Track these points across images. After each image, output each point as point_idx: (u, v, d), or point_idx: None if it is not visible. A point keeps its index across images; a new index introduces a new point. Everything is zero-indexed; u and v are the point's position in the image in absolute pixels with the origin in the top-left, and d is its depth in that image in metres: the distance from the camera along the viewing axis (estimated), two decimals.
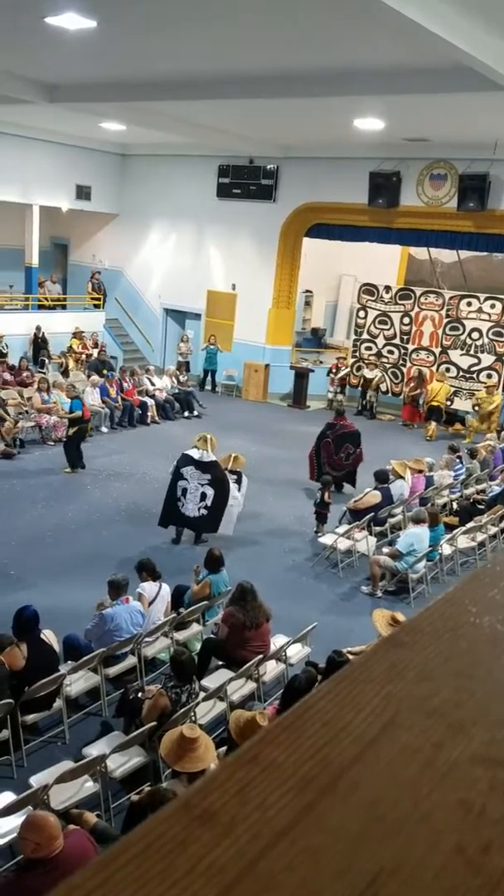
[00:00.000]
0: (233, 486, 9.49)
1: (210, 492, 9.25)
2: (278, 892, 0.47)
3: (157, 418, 15.91)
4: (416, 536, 8.58)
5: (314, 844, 0.51)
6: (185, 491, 9.29)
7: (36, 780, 4.87)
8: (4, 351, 16.79)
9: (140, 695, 5.76)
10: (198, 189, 18.60)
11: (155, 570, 6.88)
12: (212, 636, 6.80)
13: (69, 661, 6.12)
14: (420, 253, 19.06)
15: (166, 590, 6.95)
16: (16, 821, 4.41)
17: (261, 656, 6.29)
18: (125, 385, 15.80)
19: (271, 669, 6.57)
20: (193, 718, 5.57)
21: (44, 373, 16.25)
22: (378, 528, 9.88)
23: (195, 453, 9.42)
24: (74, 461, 12.12)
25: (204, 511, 9.27)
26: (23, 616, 5.76)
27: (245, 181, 18.01)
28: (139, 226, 20.12)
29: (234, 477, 9.76)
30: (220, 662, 6.53)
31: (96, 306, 20.23)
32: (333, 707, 0.63)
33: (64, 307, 20.19)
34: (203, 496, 9.25)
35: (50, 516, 10.30)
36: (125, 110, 13.12)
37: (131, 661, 6.49)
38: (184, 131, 14.77)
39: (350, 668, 0.71)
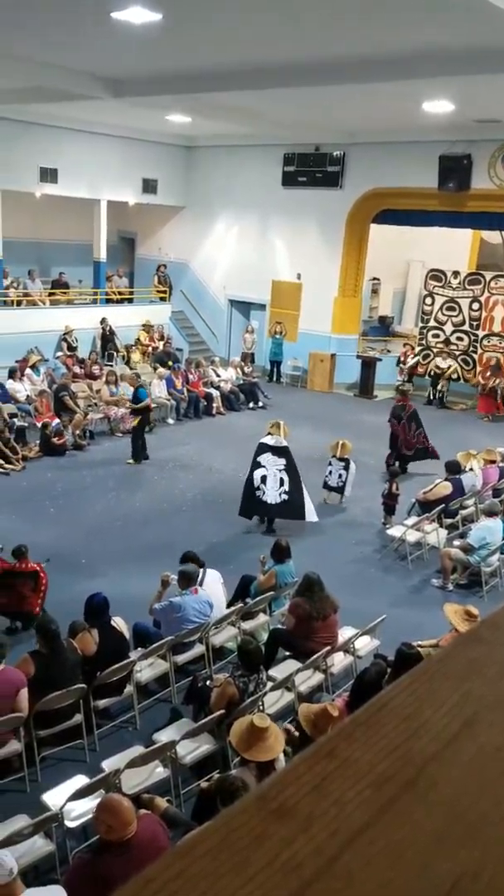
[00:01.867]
0: (345, 473, 10.32)
1: (286, 478, 9.48)
2: (357, 892, 0.46)
3: (222, 409, 15.99)
4: (489, 530, 8.38)
5: (393, 843, 0.50)
6: (264, 478, 9.50)
7: (108, 765, 4.98)
8: (74, 345, 17.17)
9: (208, 683, 5.83)
10: (263, 178, 18.55)
11: (196, 558, 6.91)
12: (279, 627, 6.81)
13: (139, 648, 6.23)
14: (493, 237, 18.53)
15: (213, 575, 6.95)
16: (88, 804, 4.53)
17: (328, 648, 6.26)
18: (191, 377, 15.94)
19: (339, 661, 6.53)
20: (261, 708, 5.60)
21: (111, 366, 16.53)
22: (449, 521, 9.69)
23: (270, 440, 9.67)
24: (138, 452, 12.28)
25: (284, 496, 9.48)
26: (93, 602, 5.90)
27: (310, 169, 17.88)
28: (204, 217, 20.22)
29: (343, 463, 10.38)
30: (288, 653, 6.54)
31: (162, 299, 20.45)
32: (412, 703, 0.62)
33: (131, 300, 20.49)
34: (281, 482, 9.49)
35: (118, 507, 10.49)
36: (190, 102, 13.17)
37: (199, 649, 6.56)
38: (249, 121, 14.74)
39: (428, 663, 0.69)
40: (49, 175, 17.28)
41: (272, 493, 9.46)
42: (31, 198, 17.75)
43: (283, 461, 9.51)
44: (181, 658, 6.40)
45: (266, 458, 9.54)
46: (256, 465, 9.56)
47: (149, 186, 19.59)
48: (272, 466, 9.51)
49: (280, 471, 9.49)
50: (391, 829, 0.51)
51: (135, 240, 22.52)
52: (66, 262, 19.94)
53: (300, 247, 18.51)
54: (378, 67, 9.81)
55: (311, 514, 9.58)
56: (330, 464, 10.74)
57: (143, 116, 15.28)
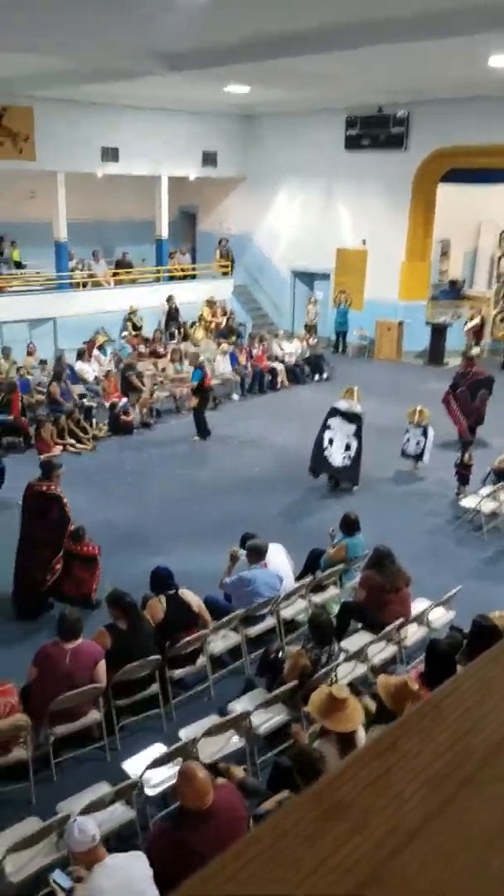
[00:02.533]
0: (423, 440, 10.46)
1: (354, 443, 9.90)
2: (412, 893, 0.44)
3: (286, 383, 15.91)
4: None
5: (450, 842, 0.47)
6: (331, 441, 9.96)
7: (185, 734, 5.10)
8: (139, 324, 17.33)
9: (280, 655, 5.87)
10: (324, 144, 18.19)
11: (254, 537, 6.93)
12: (349, 599, 6.79)
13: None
14: None
15: (277, 548, 6.95)
16: (167, 771, 4.66)
17: (401, 620, 6.22)
18: (254, 351, 15.89)
19: (413, 633, 6.48)
20: (335, 679, 5.62)
21: (176, 343, 16.63)
22: None
23: (343, 405, 10.05)
24: (202, 429, 12.36)
25: (347, 461, 9.95)
26: (156, 573, 6.09)
27: (374, 131, 17.45)
28: (265, 188, 20.00)
29: (420, 430, 10.49)
30: (360, 625, 6.52)
31: (224, 274, 20.40)
32: (477, 692, 0.59)
33: (193, 277, 20.53)
34: (347, 447, 9.92)
35: (185, 483, 10.60)
36: (249, 71, 12.95)
37: (270, 622, 6.61)
38: (309, 87, 14.43)
39: (497, 650, 0.66)
40: (110, 154, 17.38)
41: (337, 456, 9.95)
42: (92, 178, 17.90)
43: (353, 427, 9.89)
44: (253, 630, 6.47)
45: (335, 422, 9.97)
46: (326, 427, 10.02)
47: (209, 159, 19.48)
48: (341, 431, 9.91)
49: (349, 436, 9.88)
50: (448, 827, 0.48)
51: (196, 215, 22.48)
52: (129, 242, 20.09)
53: (365, 212, 18.12)
54: (447, 21, 9.40)
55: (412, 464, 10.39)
56: (407, 431, 10.67)
57: (200, 89, 15.13)
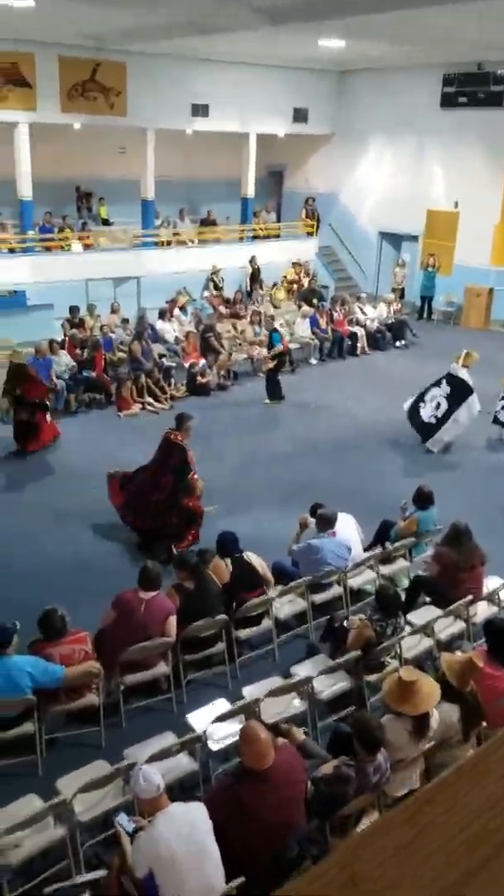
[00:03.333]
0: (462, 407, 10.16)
1: (444, 405, 10.08)
2: None
3: (367, 349, 15.66)
4: None
5: None
6: (424, 395, 10.32)
7: (248, 692, 5.23)
8: (220, 284, 17.32)
9: (345, 623, 5.91)
10: (419, 101, 17.54)
11: (323, 505, 6.93)
12: (421, 574, 6.74)
13: (278, 586, 6.40)
14: None
15: (346, 518, 6.92)
16: (230, 727, 4.80)
17: (471, 597, 6.15)
18: (335, 315, 15.67)
19: (482, 611, 6.40)
20: (399, 652, 5.63)
21: (256, 305, 16.56)
22: None
23: (454, 367, 10.27)
24: (274, 393, 12.33)
25: (433, 420, 10.17)
26: (224, 539, 6.20)
27: (472, 88, 16.74)
28: (355, 145, 19.48)
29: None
30: (428, 599, 6.48)
31: (309, 234, 20.10)
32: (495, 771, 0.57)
33: (277, 237, 20.30)
34: (438, 405, 10.14)
35: (259, 447, 10.64)
36: (346, 26, 12.54)
37: (337, 590, 6.65)
38: (408, 42, 13.87)
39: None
40: (200, 111, 17.25)
41: (426, 412, 10.23)
42: (181, 135, 17.83)
43: (448, 389, 10.06)
44: (319, 597, 6.52)
45: (443, 381, 10.25)
46: (436, 383, 10.30)
47: (299, 115, 19.09)
48: (439, 389, 10.20)
49: (442, 396, 10.11)
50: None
51: (283, 173, 22.14)
52: (215, 200, 20.00)
53: (458, 172, 17.46)
54: None
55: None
56: (502, 398, 10.42)
57: (294, 44, 14.76)
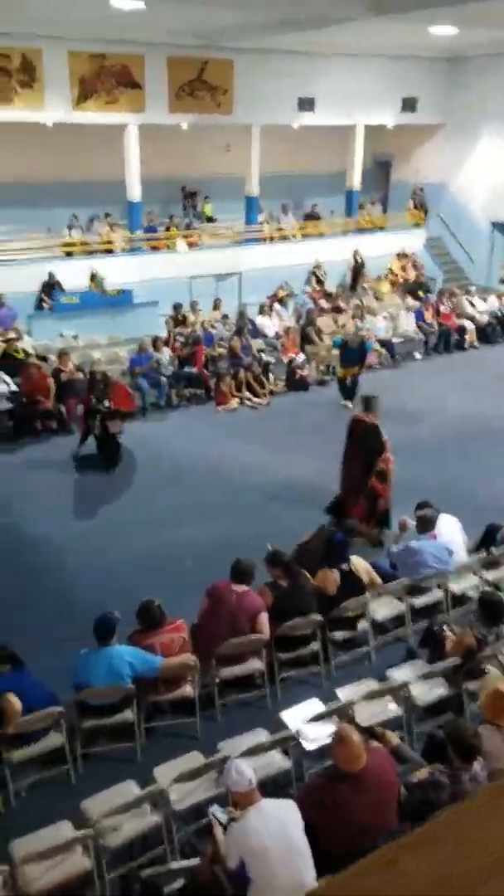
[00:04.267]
0: None
1: None
2: None
3: (475, 343, 15.19)
4: None
5: None
6: None
7: (343, 694, 5.21)
8: (323, 278, 17.22)
9: (445, 629, 5.78)
10: None
11: (427, 506, 6.78)
12: None
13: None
14: None
15: (449, 520, 6.73)
16: (323, 728, 4.80)
17: None
18: (442, 308, 15.28)
19: None
20: (502, 661, 5.46)
21: (359, 298, 16.35)
22: None
23: None
24: (350, 393, 11.70)
25: None
26: (333, 543, 6.08)
27: None
28: (467, 133, 18.87)
29: None
30: None
31: (417, 225, 19.66)
32: (475, 824, 0.58)
33: (383, 229, 19.97)
34: None
35: None
36: (457, 12, 12.15)
37: (437, 594, 6.51)
38: None
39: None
40: (307, 105, 17.18)
41: None
42: (286, 130, 17.82)
43: None
44: (418, 601, 6.41)
45: None
46: None
47: (408, 105, 18.67)
48: None
49: None
50: None
51: (390, 163, 21.73)
52: (319, 194, 19.88)
53: None
54: None
55: None
56: None
57: (403, 32, 14.43)
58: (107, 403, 9.78)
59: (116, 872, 4.20)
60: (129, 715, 5.08)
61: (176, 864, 4.21)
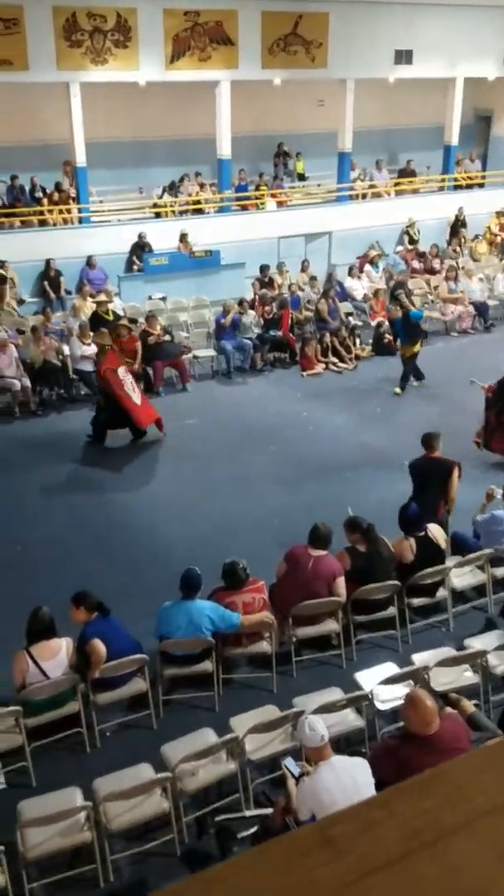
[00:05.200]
0: None
1: None
2: None
3: None
4: None
5: (396, 889, 0.63)
6: None
7: (418, 659, 5.23)
8: (416, 238, 16.73)
9: None
10: None
11: None
12: None
13: (456, 556, 6.27)
14: None
15: None
16: (397, 690, 4.85)
17: None
18: None
19: None
20: None
21: (455, 259, 15.79)
22: None
23: None
24: (406, 377, 10.90)
25: None
26: (407, 513, 6.04)
27: None
28: None
29: None
30: None
31: None
32: (467, 779, 0.72)
33: (482, 185, 19.15)
34: None
35: (446, 413, 10.22)
36: None
37: None
38: None
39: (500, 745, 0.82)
40: (404, 57, 16.52)
41: None
42: (382, 84, 17.24)
43: None
44: (500, 571, 6.31)
45: None
46: None
47: None
48: None
49: None
50: (394, 880, 0.64)
51: (491, 118, 20.73)
52: (415, 148, 19.19)
53: None
54: None
55: None
56: None
57: None
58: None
59: (192, 816, 4.42)
60: (208, 666, 5.27)
61: (249, 812, 4.39)
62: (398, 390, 10.88)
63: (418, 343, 10.81)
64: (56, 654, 4.92)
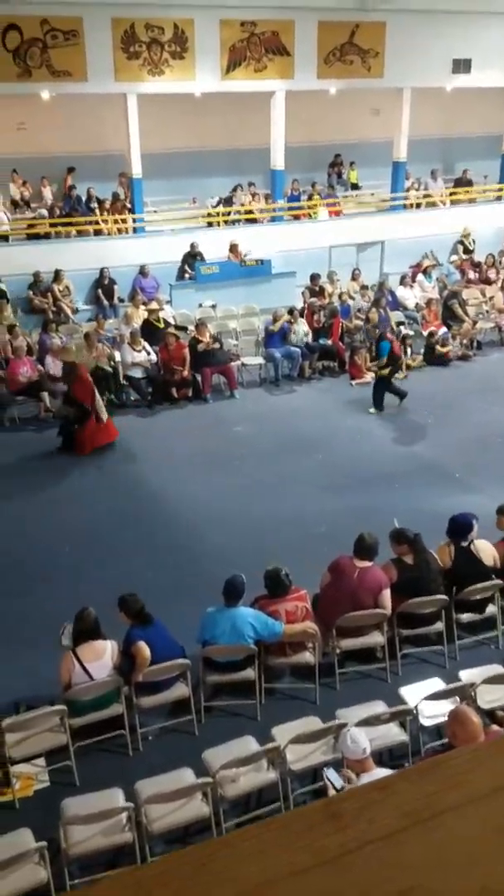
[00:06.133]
0: None
1: None
2: (348, 876, 0.70)
3: None
4: None
5: (386, 860, 0.72)
6: None
7: (465, 675, 5.13)
8: (471, 248, 16.52)
9: None
10: None
11: None
12: None
13: None
14: None
15: None
16: (442, 706, 4.76)
17: None
18: None
19: None
20: None
21: None
22: None
23: None
24: (379, 402, 10.56)
25: None
26: (457, 521, 5.95)
27: None
28: None
29: None
30: None
31: None
32: (467, 766, 0.80)
33: None
34: None
35: (499, 422, 10.13)
36: None
37: None
38: None
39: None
40: (462, 66, 16.39)
41: None
42: (437, 93, 17.11)
43: None
44: None
45: None
46: None
47: None
48: None
49: None
50: (390, 850, 0.72)
51: None
52: (472, 157, 18.98)
53: None
54: None
55: None
56: None
57: None
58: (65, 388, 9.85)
59: (232, 822, 4.41)
60: (250, 673, 5.26)
61: None
62: (372, 410, 10.54)
63: (388, 368, 10.48)
64: (101, 656, 4.98)
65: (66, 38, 13.13)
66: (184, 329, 12.14)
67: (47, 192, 15.80)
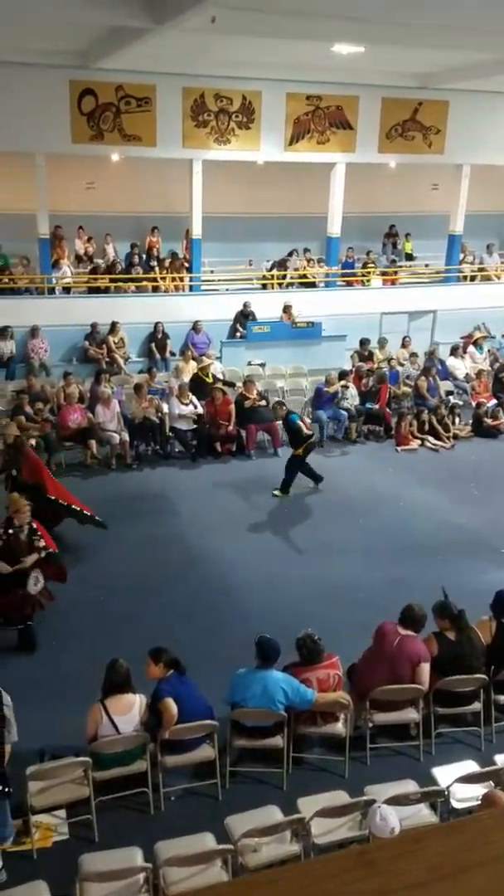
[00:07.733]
0: None
1: None
2: None
3: None
4: None
5: None
6: None
7: (501, 760, 4.94)
8: None
9: None
10: None
11: None
12: None
13: None
14: None
15: None
16: (475, 790, 4.58)
17: None
18: None
19: None
20: None
21: None
22: None
23: None
24: (287, 484, 9.89)
25: None
26: (501, 597, 5.80)
27: None
28: None
29: None
30: None
31: None
32: (494, 826, 0.87)
33: None
34: None
35: None
36: None
37: None
38: None
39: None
40: None
41: None
42: (497, 169, 17.40)
43: None
44: None
45: None
46: None
47: None
48: None
49: None
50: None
51: None
52: None
53: None
54: None
55: None
56: None
57: None
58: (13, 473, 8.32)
59: None
60: (279, 741, 5.14)
61: None
62: (276, 492, 9.90)
63: (301, 448, 9.82)
64: (129, 710, 4.94)
65: (139, 105, 13.78)
66: (231, 385, 12.31)
67: (110, 249, 16.39)
